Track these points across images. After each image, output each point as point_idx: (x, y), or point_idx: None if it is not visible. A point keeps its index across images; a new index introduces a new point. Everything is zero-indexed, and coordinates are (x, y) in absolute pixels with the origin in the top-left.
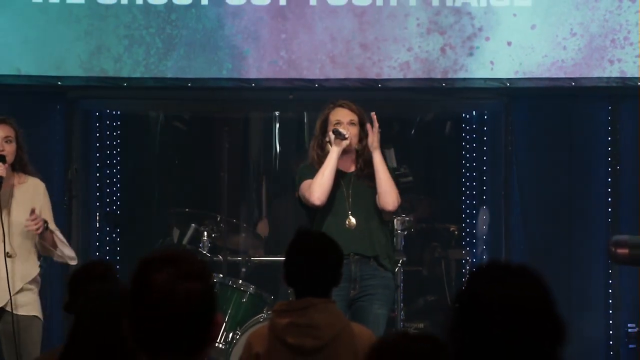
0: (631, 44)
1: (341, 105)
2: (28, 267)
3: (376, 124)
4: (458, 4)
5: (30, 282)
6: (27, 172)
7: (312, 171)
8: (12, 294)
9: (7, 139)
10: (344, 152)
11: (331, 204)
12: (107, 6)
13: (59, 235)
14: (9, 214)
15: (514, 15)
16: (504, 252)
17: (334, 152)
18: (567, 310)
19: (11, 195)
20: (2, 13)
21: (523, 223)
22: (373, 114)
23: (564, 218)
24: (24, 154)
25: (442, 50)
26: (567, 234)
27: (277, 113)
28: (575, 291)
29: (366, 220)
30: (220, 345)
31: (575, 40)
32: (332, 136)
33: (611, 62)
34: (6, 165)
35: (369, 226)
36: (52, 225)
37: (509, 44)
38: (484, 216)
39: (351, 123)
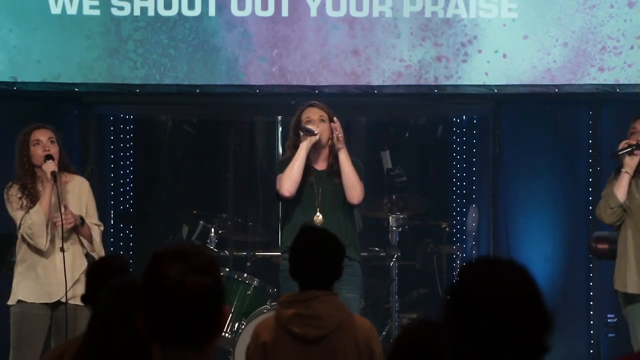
0: (610, 52)
1: (312, 105)
2: (80, 260)
3: (337, 124)
4: (449, 15)
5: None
6: (70, 171)
7: (286, 166)
8: (68, 287)
9: (50, 140)
10: (317, 148)
11: (301, 200)
12: (120, 18)
13: (96, 230)
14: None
15: (504, 25)
16: (492, 247)
17: (302, 147)
18: (550, 301)
19: (60, 192)
20: (24, 23)
21: (508, 221)
22: (335, 119)
23: (547, 215)
24: (65, 155)
25: (436, 58)
26: (551, 230)
27: (279, 117)
28: (558, 284)
29: (333, 215)
30: (227, 335)
31: (559, 49)
32: (301, 133)
33: (592, 69)
34: (55, 161)
35: (336, 220)
36: (93, 220)
37: (499, 53)
38: (473, 214)
39: (321, 120)
